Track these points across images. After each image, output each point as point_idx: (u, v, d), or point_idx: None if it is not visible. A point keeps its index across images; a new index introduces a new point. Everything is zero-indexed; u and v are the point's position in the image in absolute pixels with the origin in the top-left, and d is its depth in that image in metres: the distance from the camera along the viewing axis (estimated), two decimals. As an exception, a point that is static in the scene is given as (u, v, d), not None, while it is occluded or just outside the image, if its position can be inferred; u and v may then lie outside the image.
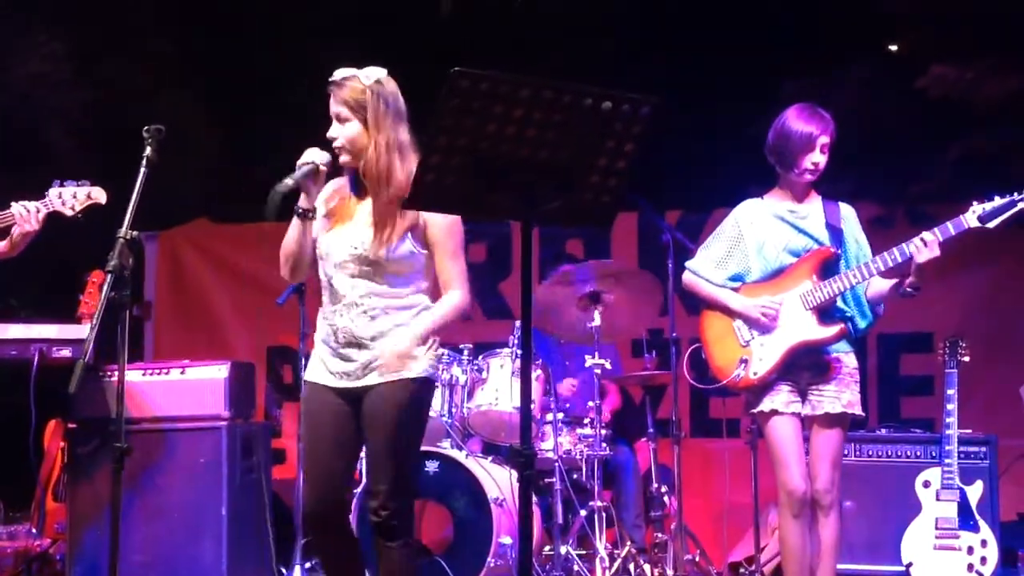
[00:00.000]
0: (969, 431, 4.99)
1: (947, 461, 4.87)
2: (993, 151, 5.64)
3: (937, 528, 4.85)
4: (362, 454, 3.45)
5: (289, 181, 3.21)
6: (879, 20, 6.03)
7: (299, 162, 3.28)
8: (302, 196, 3.31)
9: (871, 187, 5.65)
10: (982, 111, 5.55)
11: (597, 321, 4.99)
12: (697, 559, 5.15)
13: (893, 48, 6.11)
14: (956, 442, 4.86)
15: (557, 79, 2.48)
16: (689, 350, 4.30)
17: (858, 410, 3.89)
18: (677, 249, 4.93)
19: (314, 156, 3.28)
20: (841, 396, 3.86)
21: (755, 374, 3.87)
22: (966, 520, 4.83)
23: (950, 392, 4.93)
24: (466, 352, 5.01)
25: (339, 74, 3.32)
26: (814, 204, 3.99)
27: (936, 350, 5.10)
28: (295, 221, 3.34)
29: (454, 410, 4.95)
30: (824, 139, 3.85)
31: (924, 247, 3.66)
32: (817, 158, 3.86)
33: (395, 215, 3.26)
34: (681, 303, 5.16)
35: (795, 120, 3.87)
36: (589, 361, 4.98)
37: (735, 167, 5.79)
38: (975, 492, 4.88)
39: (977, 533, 4.81)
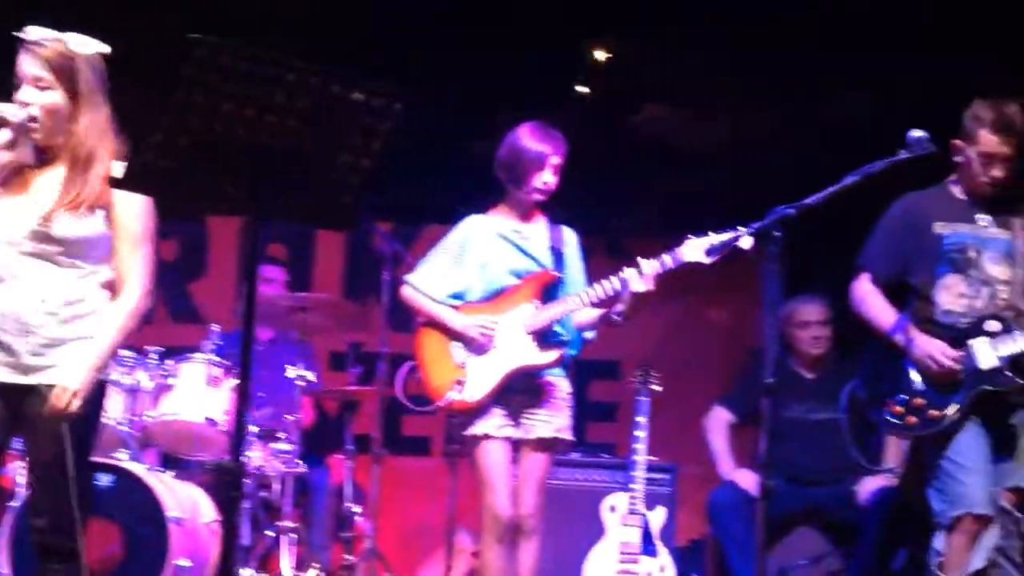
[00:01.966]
0: (654, 458, 5.14)
1: (633, 487, 4.99)
2: (696, 192, 5.88)
3: (620, 553, 4.95)
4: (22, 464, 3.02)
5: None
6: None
7: None
8: None
9: (574, 217, 5.74)
10: (688, 153, 5.79)
11: (299, 332, 4.75)
12: (385, 582, 4.99)
13: (584, 90, 6.24)
14: (643, 468, 4.99)
15: (309, 61, 2.27)
16: (402, 368, 4.14)
17: (569, 435, 3.88)
18: (394, 261, 4.76)
19: (7, 110, 2.86)
20: (553, 420, 3.83)
21: (471, 397, 3.76)
22: (647, 545, 4.96)
23: (641, 419, 5.06)
24: (153, 356, 4.59)
25: (37, 33, 2.92)
26: (539, 225, 3.96)
27: (622, 378, 5.22)
28: None
29: (134, 418, 4.52)
30: (555, 159, 3.82)
31: (639, 278, 3.68)
32: (548, 178, 3.82)
33: (85, 188, 2.89)
34: (388, 319, 4.98)
35: (527, 138, 3.82)
36: (291, 372, 4.70)
37: (449, 184, 5.77)
38: (657, 518, 5.02)
39: (656, 558, 4.95)
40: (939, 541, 3.57)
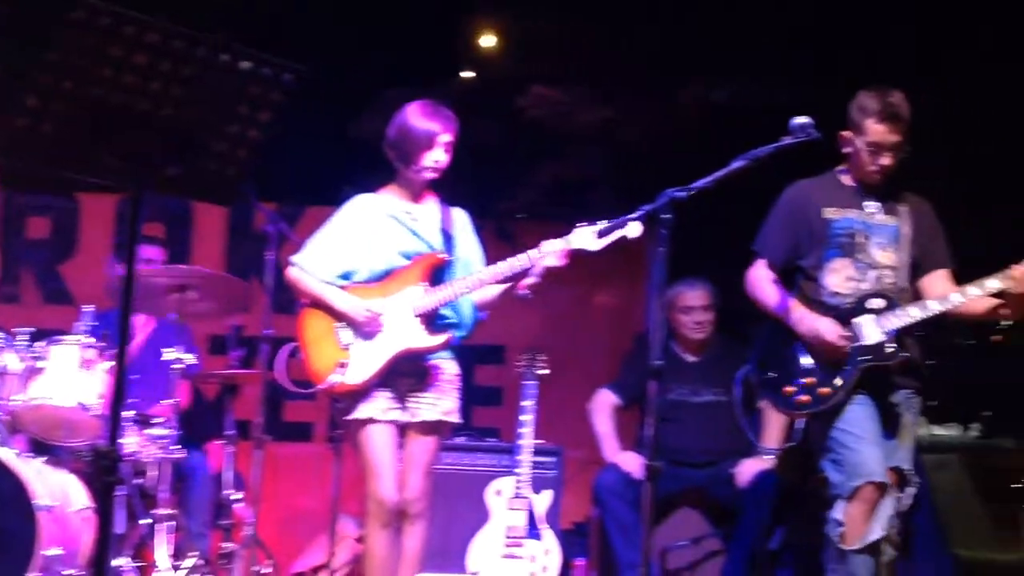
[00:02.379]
0: (540, 442, 5.15)
1: (519, 470, 5.00)
2: (580, 176, 5.90)
3: (505, 537, 4.95)
4: None
5: None
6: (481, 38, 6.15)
7: None
8: None
9: (463, 199, 5.71)
10: (574, 137, 5.79)
11: (178, 314, 4.59)
12: (265, 570, 4.87)
13: (469, 75, 6.20)
14: (530, 452, 5.00)
15: (196, 28, 2.17)
16: (283, 350, 4.02)
17: (456, 418, 3.84)
18: (279, 240, 4.64)
19: None
20: (440, 403, 3.79)
21: (355, 379, 3.69)
22: (532, 529, 4.97)
23: (527, 403, 5.07)
24: (22, 337, 4.38)
25: None
26: (430, 206, 3.91)
27: (508, 362, 5.21)
28: None
29: (2, 403, 4.31)
30: (446, 137, 3.77)
31: (552, 255, 3.65)
32: (438, 156, 3.78)
33: None
34: (271, 300, 4.86)
35: (416, 116, 3.76)
36: (168, 354, 4.54)
37: (335, 164, 5.67)
38: (542, 501, 5.04)
39: (541, 542, 4.96)
40: (838, 511, 3.66)
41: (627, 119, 5.77)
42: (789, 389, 3.79)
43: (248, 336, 5.29)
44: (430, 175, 3.81)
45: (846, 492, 3.64)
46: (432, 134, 3.73)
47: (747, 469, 4.87)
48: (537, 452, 5.08)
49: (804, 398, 3.76)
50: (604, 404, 5.23)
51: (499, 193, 6.22)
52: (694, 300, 5.16)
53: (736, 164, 3.37)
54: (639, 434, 5.23)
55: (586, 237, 3.61)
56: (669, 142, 5.65)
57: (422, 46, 6.07)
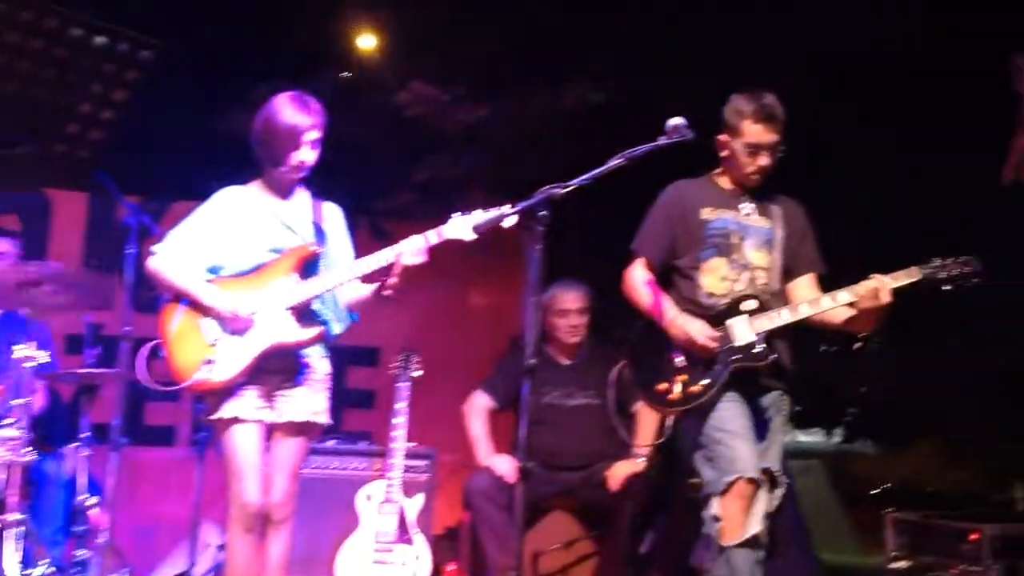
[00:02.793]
0: (412, 444, 5.07)
1: (392, 474, 4.90)
2: (456, 176, 5.84)
3: (376, 542, 4.84)
4: None
5: None
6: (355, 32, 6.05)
7: None
8: None
9: (337, 197, 5.60)
10: (451, 136, 5.73)
11: (31, 309, 4.35)
12: (123, 578, 4.67)
13: (346, 75, 6.10)
14: (403, 455, 4.91)
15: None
16: (145, 347, 3.82)
17: (325, 418, 3.73)
18: (141, 235, 4.43)
19: None
20: (309, 403, 3.66)
21: (221, 376, 3.54)
22: (403, 534, 4.88)
23: (400, 405, 4.98)
24: None
25: None
26: (300, 199, 3.78)
27: (382, 364, 5.12)
28: None
29: None
30: (313, 134, 3.65)
31: (410, 252, 3.58)
32: (305, 156, 3.65)
33: None
34: (131, 297, 4.64)
35: (282, 112, 3.62)
36: (19, 352, 4.29)
37: (201, 160, 5.48)
38: (414, 506, 4.95)
39: (412, 547, 4.87)
40: (714, 507, 3.66)
41: (504, 118, 5.73)
42: (661, 386, 3.80)
43: (107, 335, 5.06)
44: (296, 175, 3.68)
45: (720, 488, 3.65)
46: (298, 132, 3.60)
47: (620, 472, 4.86)
48: (409, 455, 5.01)
49: (675, 395, 3.77)
50: (478, 407, 5.17)
51: (375, 191, 6.12)
52: (569, 303, 5.14)
53: (613, 162, 3.36)
54: (513, 437, 5.17)
55: (461, 227, 3.54)
56: (546, 142, 5.62)
57: (297, 40, 5.94)
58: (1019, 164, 4.36)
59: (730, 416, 3.71)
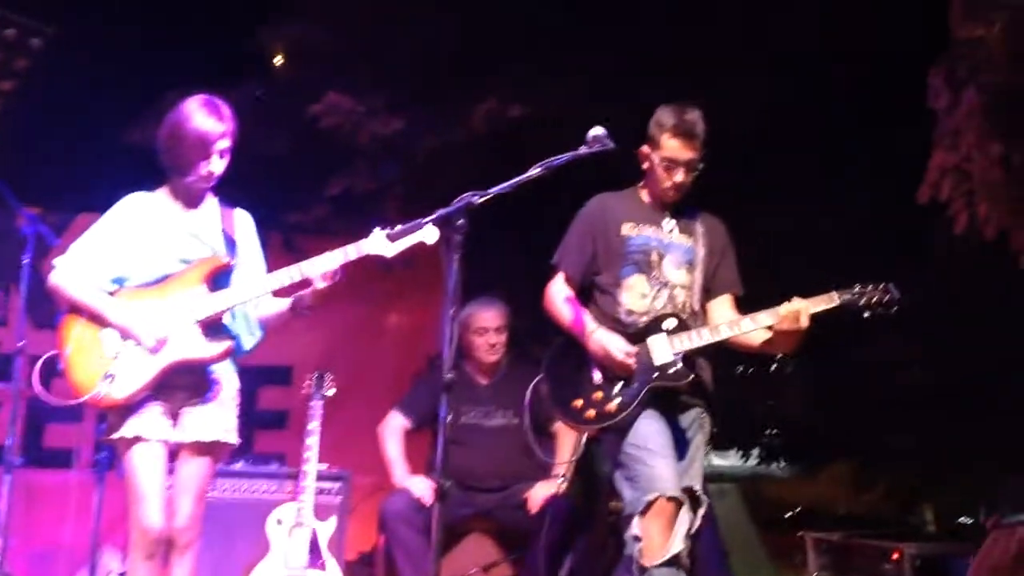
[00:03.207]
0: (325, 466, 4.91)
1: (303, 497, 4.74)
2: (372, 190, 5.71)
3: (287, 567, 4.67)
4: None
5: None
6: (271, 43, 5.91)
7: None
8: None
9: (248, 209, 5.44)
10: (367, 148, 5.61)
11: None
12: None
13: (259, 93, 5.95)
14: (315, 477, 4.75)
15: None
16: (41, 360, 3.60)
17: (234, 438, 3.55)
18: (38, 245, 4.22)
19: None
20: (217, 421, 3.48)
21: (122, 392, 3.34)
22: (315, 559, 4.72)
23: (313, 425, 4.83)
24: None
25: None
26: (210, 208, 3.61)
27: (295, 384, 4.97)
28: None
29: None
30: (223, 143, 3.48)
31: (324, 266, 3.44)
32: (214, 167, 3.49)
33: None
34: (28, 310, 4.41)
35: (192, 119, 3.45)
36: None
37: (106, 171, 5.27)
38: (327, 529, 4.80)
39: (324, 572, 4.71)
40: (635, 527, 3.55)
41: (422, 131, 5.62)
42: (578, 403, 3.70)
43: (1, 351, 4.83)
44: (205, 185, 3.52)
45: (640, 507, 3.56)
46: (208, 140, 3.44)
47: (538, 493, 4.77)
48: (322, 477, 4.85)
49: (591, 413, 3.67)
50: (394, 427, 5.04)
51: (288, 205, 5.95)
52: (487, 321, 5.04)
53: (532, 172, 3.29)
54: (430, 458, 5.07)
55: (380, 242, 3.41)
56: (465, 156, 5.53)
57: (210, 49, 5.78)
58: (935, 183, 4.37)
59: (649, 434, 3.62)
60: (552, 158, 3.31)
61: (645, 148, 3.79)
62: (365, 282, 5.91)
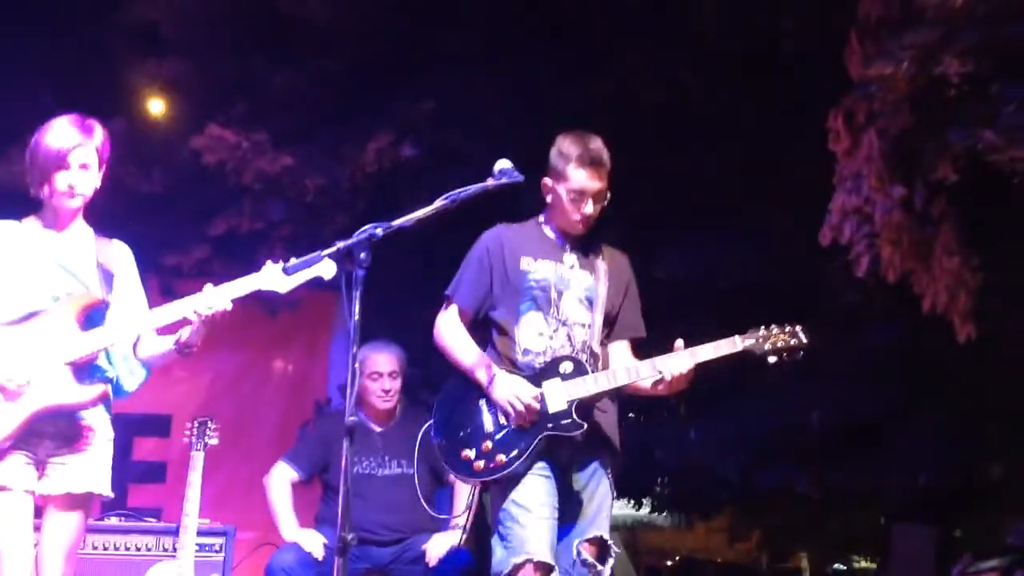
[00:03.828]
0: (206, 521, 4.62)
1: (182, 553, 4.43)
2: (255, 229, 5.46)
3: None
4: None
5: None
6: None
7: None
8: None
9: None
10: (250, 186, 5.36)
11: None
12: None
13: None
14: (195, 532, 4.44)
15: None
16: None
17: (107, 490, 3.24)
18: None
19: None
20: (88, 472, 3.17)
21: (-14, 441, 3.02)
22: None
23: (194, 476, 4.53)
24: None
25: None
26: (84, 238, 3.33)
27: (173, 434, 4.69)
28: None
29: None
30: (83, 155, 3.20)
31: (212, 302, 3.18)
32: (75, 178, 3.21)
33: None
34: None
35: (51, 130, 3.21)
36: None
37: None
38: (208, 588, 4.49)
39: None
40: None
41: (310, 169, 5.41)
42: (467, 454, 3.46)
43: None
44: (67, 201, 3.24)
45: (506, 569, 3.34)
46: (63, 151, 3.18)
47: (437, 546, 4.54)
48: (202, 533, 4.55)
49: (479, 464, 3.43)
50: (281, 478, 4.76)
51: (165, 246, 5.65)
52: (381, 366, 4.81)
53: (438, 204, 3.11)
54: (320, 510, 4.82)
55: (274, 276, 3.19)
56: (355, 195, 5.34)
57: (84, 83, 5.48)
58: (837, 225, 4.34)
59: (532, 492, 3.39)
60: (458, 190, 3.14)
61: (548, 180, 3.61)
62: (247, 326, 5.68)
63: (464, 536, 4.57)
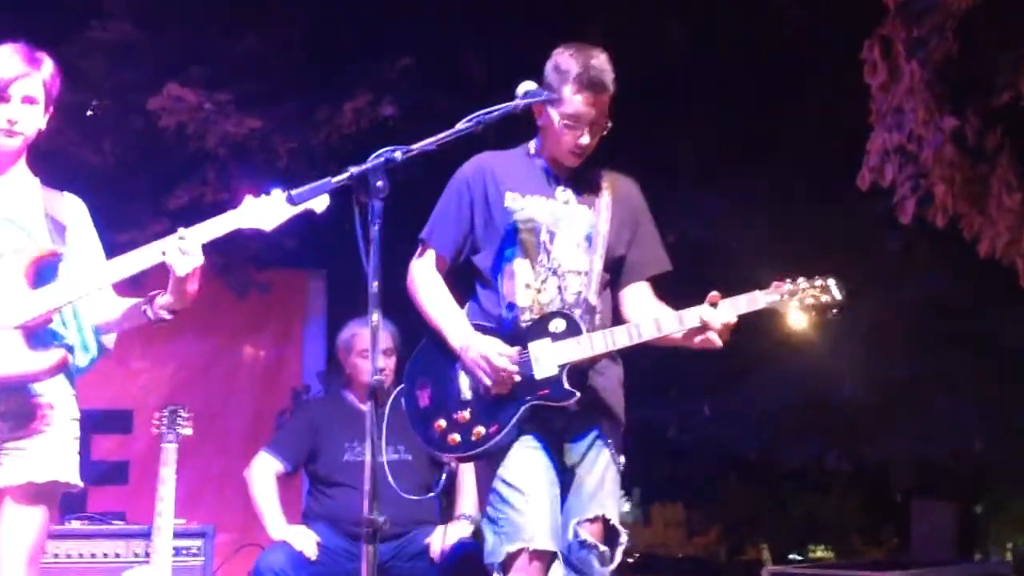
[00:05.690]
0: (181, 522, 4.15)
1: (157, 559, 3.95)
2: (220, 200, 4.98)
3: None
4: None
5: None
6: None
7: None
8: None
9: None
10: (214, 152, 4.88)
11: None
12: None
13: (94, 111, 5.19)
14: (170, 534, 3.96)
15: None
16: None
17: (75, 478, 2.75)
18: None
19: None
20: (51, 457, 2.68)
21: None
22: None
23: (166, 471, 4.05)
24: None
25: None
26: (28, 185, 2.82)
27: (136, 431, 4.22)
28: None
29: None
30: (25, 87, 2.72)
31: (185, 249, 2.68)
32: (15, 112, 2.72)
33: None
34: None
35: None
36: None
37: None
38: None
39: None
40: None
41: (281, 132, 4.94)
42: (440, 424, 2.99)
43: None
44: (6, 140, 2.74)
45: (499, 558, 2.90)
46: (4, 82, 2.70)
47: (442, 539, 4.09)
48: (179, 535, 4.11)
49: (454, 438, 2.97)
50: (265, 471, 4.28)
51: (120, 222, 5.13)
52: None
53: (462, 126, 2.69)
54: (307, 505, 4.36)
55: (257, 212, 2.71)
56: (330, 161, 4.87)
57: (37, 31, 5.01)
58: (877, 167, 3.92)
59: (523, 469, 2.92)
60: (483, 111, 2.70)
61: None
62: (214, 311, 5.24)
63: (473, 527, 4.15)
